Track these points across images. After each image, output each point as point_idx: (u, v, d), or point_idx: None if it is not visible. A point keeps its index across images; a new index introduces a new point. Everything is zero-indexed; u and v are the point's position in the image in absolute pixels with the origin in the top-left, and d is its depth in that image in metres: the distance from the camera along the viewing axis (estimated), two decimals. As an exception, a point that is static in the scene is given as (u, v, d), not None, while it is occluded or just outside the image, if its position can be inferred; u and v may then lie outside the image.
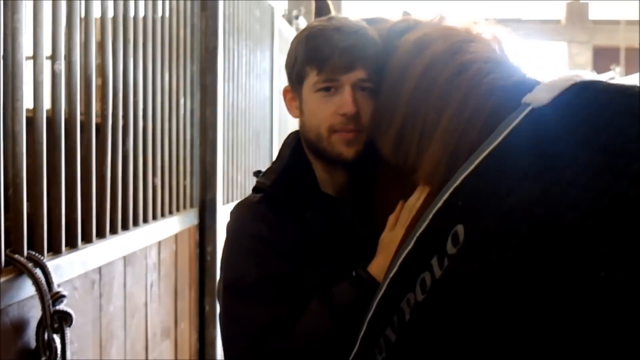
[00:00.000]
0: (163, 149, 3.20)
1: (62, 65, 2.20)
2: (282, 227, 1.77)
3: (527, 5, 13.90)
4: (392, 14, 1.99)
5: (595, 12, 14.47)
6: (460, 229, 1.31)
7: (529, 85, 1.47)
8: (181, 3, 3.41)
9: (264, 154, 5.01)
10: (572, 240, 1.17)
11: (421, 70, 1.66)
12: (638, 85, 1.36)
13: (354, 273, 1.71)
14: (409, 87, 1.68)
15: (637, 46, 12.73)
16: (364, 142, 1.78)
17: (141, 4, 2.93)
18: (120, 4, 2.73)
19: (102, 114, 2.60)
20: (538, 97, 1.36)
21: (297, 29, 6.70)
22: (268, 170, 1.89)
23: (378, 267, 1.69)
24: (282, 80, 5.57)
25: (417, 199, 1.67)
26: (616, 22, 13.38)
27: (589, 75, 1.41)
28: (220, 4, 3.70)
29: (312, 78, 1.78)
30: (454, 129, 1.53)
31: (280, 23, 5.55)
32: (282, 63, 5.51)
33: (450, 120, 1.55)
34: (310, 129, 1.82)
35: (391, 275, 1.47)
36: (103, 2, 2.57)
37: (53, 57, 2.19)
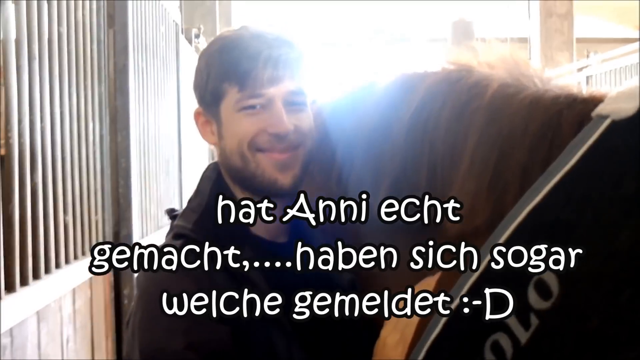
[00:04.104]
0: (73, 181, 2.78)
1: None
2: (212, 282, 1.36)
3: (415, 25, 14.27)
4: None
5: (481, 30, 15.00)
6: (548, 276, 1.02)
7: (573, 100, 1.23)
8: (87, 16, 3.01)
9: (173, 183, 4.61)
10: None
11: (415, 109, 1.37)
12: None
13: None
14: (399, 133, 1.38)
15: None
16: (301, 162, 1.45)
17: (45, 15, 2.53)
18: (23, 15, 2.32)
19: (7, 143, 2.19)
20: (618, 108, 1.09)
21: (196, 49, 6.32)
22: (186, 210, 1.50)
23: None
24: (188, 103, 5.19)
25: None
26: (503, 40, 13.86)
27: None
28: (130, 18, 3.31)
29: (232, 96, 1.44)
30: (485, 158, 1.25)
31: (182, 42, 5.18)
32: (187, 84, 5.15)
33: (475, 151, 1.27)
34: (232, 152, 1.46)
35: (429, 341, 1.16)
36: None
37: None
